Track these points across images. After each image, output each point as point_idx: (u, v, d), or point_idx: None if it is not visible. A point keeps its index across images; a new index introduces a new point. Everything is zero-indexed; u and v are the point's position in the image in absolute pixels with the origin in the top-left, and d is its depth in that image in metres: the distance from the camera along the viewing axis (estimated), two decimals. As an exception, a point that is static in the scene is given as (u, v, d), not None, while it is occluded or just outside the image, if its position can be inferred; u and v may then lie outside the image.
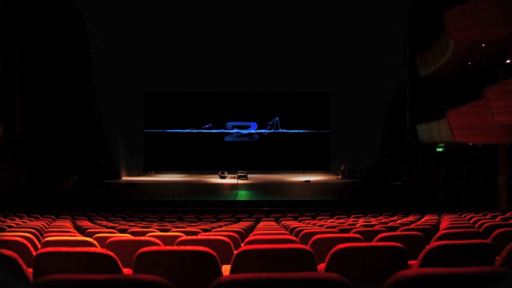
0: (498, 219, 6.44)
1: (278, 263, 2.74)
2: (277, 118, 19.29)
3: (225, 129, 19.79)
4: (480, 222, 5.64)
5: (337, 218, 7.94)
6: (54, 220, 7.42)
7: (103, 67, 16.12)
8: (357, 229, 4.84)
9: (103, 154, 17.30)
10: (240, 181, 16.52)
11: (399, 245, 2.85)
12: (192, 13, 15.94)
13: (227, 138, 19.77)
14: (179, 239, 3.87)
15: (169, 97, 19.57)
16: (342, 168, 18.64)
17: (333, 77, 17.95)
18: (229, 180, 17.74)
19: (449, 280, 1.61)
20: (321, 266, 2.97)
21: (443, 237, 3.85)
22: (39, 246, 4.04)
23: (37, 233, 4.87)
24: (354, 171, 18.31)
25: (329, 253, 2.78)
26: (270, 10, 15.82)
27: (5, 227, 5.59)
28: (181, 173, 19.89)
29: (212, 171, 19.31)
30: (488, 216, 6.99)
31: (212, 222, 7.74)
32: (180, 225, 6.75)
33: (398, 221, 6.62)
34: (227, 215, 9.83)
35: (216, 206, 12.32)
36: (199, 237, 4.33)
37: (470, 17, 10.68)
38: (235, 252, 2.84)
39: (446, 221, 6.30)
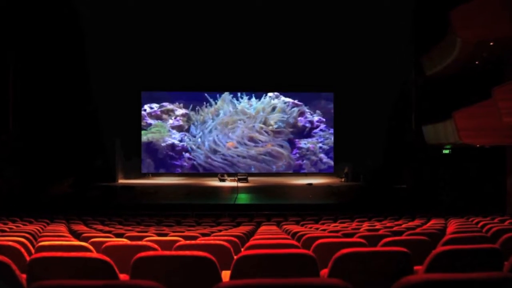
0: (506, 223, 6.44)
1: (280, 268, 2.74)
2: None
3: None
4: (488, 226, 5.64)
5: (340, 222, 7.94)
6: (48, 224, 7.43)
7: (99, 68, 16.10)
8: (361, 234, 4.84)
9: (99, 156, 17.30)
10: (240, 184, 16.50)
11: (404, 250, 2.85)
12: (191, 10, 15.94)
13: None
14: (177, 243, 3.87)
15: (167, 98, 19.59)
16: (346, 170, 18.63)
17: (336, 77, 17.94)
18: (229, 183, 17.71)
19: (455, 286, 1.61)
20: (324, 272, 2.97)
21: (450, 241, 3.85)
22: (32, 251, 4.04)
23: (30, 237, 4.87)
24: (358, 174, 18.29)
25: (332, 258, 2.78)
26: (272, 8, 15.81)
27: (-2, 231, 5.59)
28: (178, 175, 19.88)
29: (212, 173, 19.31)
30: (496, 220, 6.98)
31: (212, 226, 7.74)
32: (178, 229, 6.75)
33: (403, 225, 6.63)
34: (227, 219, 9.82)
35: (215, 209, 12.31)
36: (198, 241, 4.33)
37: (477, 15, 10.69)
38: (235, 257, 2.84)
39: (452, 225, 6.30)
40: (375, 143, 16.52)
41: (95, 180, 16.72)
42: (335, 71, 17.42)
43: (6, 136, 13.46)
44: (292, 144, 19.56)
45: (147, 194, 15.13)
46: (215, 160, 19.21)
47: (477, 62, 12.74)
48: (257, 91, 19.57)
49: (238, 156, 19.28)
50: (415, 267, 2.92)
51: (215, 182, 17.93)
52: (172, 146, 19.27)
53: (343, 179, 18.58)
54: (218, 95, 19.52)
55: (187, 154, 19.24)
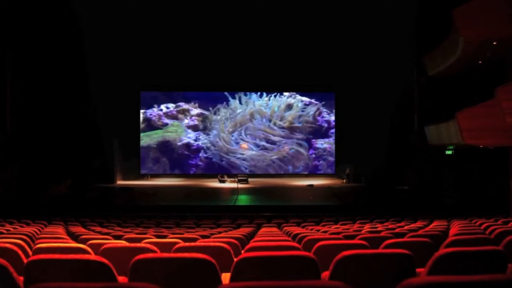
0: (510, 225, 6.43)
1: (280, 271, 2.73)
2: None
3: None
4: (491, 228, 5.63)
5: (341, 224, 7.94)
6: (46, 226, 7.43)
7: (98, 67, 16.10)
8: (363, 236, 4.84)
9: (97, 157, 17.29)
10: (240, 185, 16.50)
11: (407, 252, 2.85)
12: (191, 9, 15.93)
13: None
14: (177, 246, 3.87)
15: (166, 98, 19.61)
16: (347, 171, 18.62)
17: (337, 77, 17.94)
18: (229, 184, 17.72)
19: (458, 288, 1.61)
20: (325, 274, 2.97)
21: (453, 243, 3.85)
22: (30, 253, 4.04)
23: (28, 239, 4.87)
24: (360, 175, 18.29)
25: (333, 261, 2.78)
26: (272, 7, 15.81)
27: (-5, 233, 5.59)
28: (178, 176, 19.89)
29: (211, 174, 19.32)
30: (499, 222, 6.98)
31: (211, 228, 7.74)
32: (177, 231, 6.75)
33: (405, 227, 6.62)
34: (227, 220, 9.83)
35: (215, 211, 12.32)
36: (197, 243, 4.33)
37: (480, 15, 10.69)
38: (235, 259, 2.84)
39: (455, 227, 6.30)
40: (377, 144, 16.51)
41: (93, 181, 16.72)
42: (337, 71, 17.40)
43: (4, 136, 13.45)
44: (308, 144, 19.52)
45: (146, 195, 15.14)
46: (230, 160, 19.22)
47: (480, 62, 12.73)
48: (257, 91, 19.54)
49: (253, 155, 19.25)
50: (418, 270, 2.92)
51: (215, 183, 17.93)
52: (187, 145, 19.32)
53: (344, 180, 18.57)
54: (229, 95, 19.48)
55: (202, 154, 19.27)
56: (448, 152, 14.90)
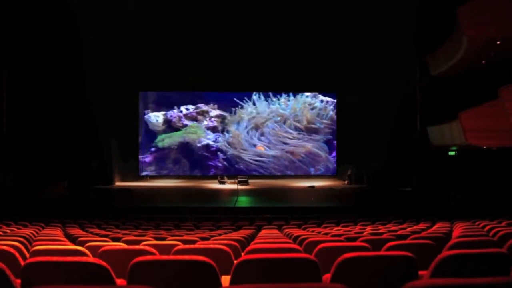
0: (514, 227, 6.43)
1: (281, 273, 2.73)
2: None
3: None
4: (495, 230, 5.63)
5: (343, 226, 7.94)
6: (43, 228, 7.43)
7: (96, 67, 16.11)
8: (365, 238, 4.84)
9: (95, 158, 17.29)
10: (240, 187, 16.50)
11: (409, 254, 2.85)
12: (190, 9, 15.92)
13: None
14: (176, 248, 3.88)
15: (165, 98, 19.63)
16: (349, 172, 18.61)
17: (339, 77, 17.93)
18: (229, 185, 17.72)
19: (461, 291, 1.61)
20: (327, 277, 2.97)
21: (456, 246, 3.85)
22: (27, 255, 4.04)
23: (25, 241, 4.88)
24: (361, 176, 18.28)
25: (334, 263, 2.78)
26: (272, 7, 15.81)
27: (-8, 235, 5.59)
28: (178, 178, 19.89)
29: (211, 175, 19.34)
30: (503, 224, 6.97)
31: (211, 230, 7.74)
32: (177, 233, 6.76)
33: (408, 229, 6.62)
34: (227, 222, 9.82)
35: (215, 213, 12.33)
36: (197, 246, 4.34)
37: (484, 13, 10.69)
38: (235, 261, 2.84)
39: (458, 229, 6.29)
40: (379, 145, 16.51)
41: (92, 182, 16.70)
42: (338, 71, 17.40)
43: (1, 137, 13.46)
44: (330, 146, 19.46)
45: (144, 197, 15.14)
46: (246, 162, 19.20)
47: (483, 62, 12.72)
48: (261, 90, 19.56)
49: (270, 157, 19.21)
50: (420, 272, 2.92)
51: (214, 185, 17.94)
52: (207, 146, 19.35)
53: (346, 182, 18.55)
54: (246, 97, 19.42)
55: (221, 155, 19.29)
56: (451, 153, 14.91)
